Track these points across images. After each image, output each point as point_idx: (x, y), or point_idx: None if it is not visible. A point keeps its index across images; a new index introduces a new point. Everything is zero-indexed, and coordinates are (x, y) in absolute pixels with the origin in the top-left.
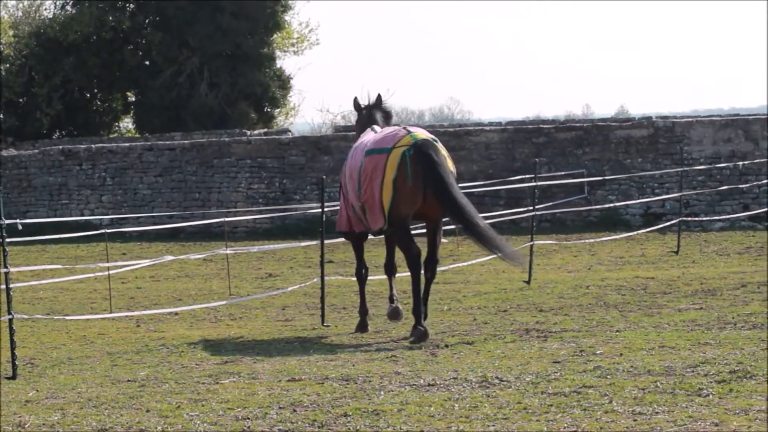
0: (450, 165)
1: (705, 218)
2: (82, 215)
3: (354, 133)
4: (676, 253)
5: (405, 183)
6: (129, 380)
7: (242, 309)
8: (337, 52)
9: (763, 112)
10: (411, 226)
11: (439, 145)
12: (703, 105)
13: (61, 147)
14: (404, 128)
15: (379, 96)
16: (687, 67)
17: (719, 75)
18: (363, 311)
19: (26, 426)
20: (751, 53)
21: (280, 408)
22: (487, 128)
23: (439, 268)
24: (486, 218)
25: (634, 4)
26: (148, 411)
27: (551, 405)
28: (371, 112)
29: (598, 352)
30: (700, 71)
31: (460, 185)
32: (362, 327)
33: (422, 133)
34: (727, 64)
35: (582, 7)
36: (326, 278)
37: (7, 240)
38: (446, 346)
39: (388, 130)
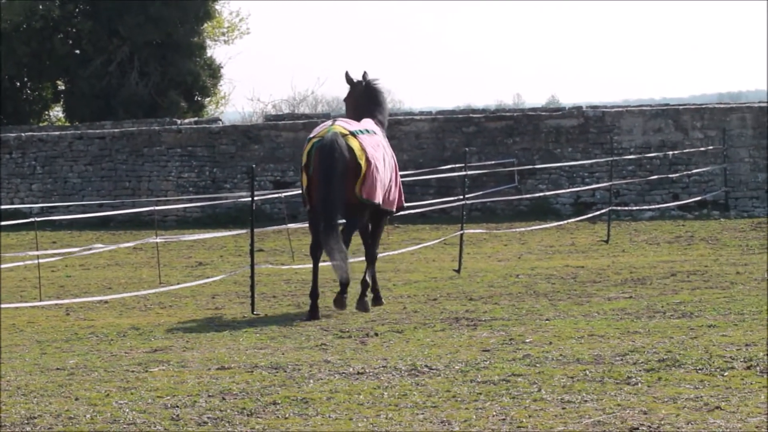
0: (357, 156)
1: (635, 207)
2: (12, 204)
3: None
4: (606, 242)
5: (308, 172)
6: (58, 368)
7: (172, 297)
8: (268, 41)
9: (693, 102)
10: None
11: (352, 140)
12: (633, 95)
13: None
14: (333, 120)
15: (364, 73)
16: (618, 58)
17: (650, 65)
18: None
19: None
20: (681, 44)
21: (209, 396)
22: (418, 117)
23: None
24: (416, 207)
25: None
26: (77, 399)
27: (480, 393)
28: (360, 94)
29: (527, 340)
30: (631, 62)
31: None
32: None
33: (340, 127)
34: (658, 54)
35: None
36: (256, 267)
37: None
38: (376, 334)
39: (327, 122)
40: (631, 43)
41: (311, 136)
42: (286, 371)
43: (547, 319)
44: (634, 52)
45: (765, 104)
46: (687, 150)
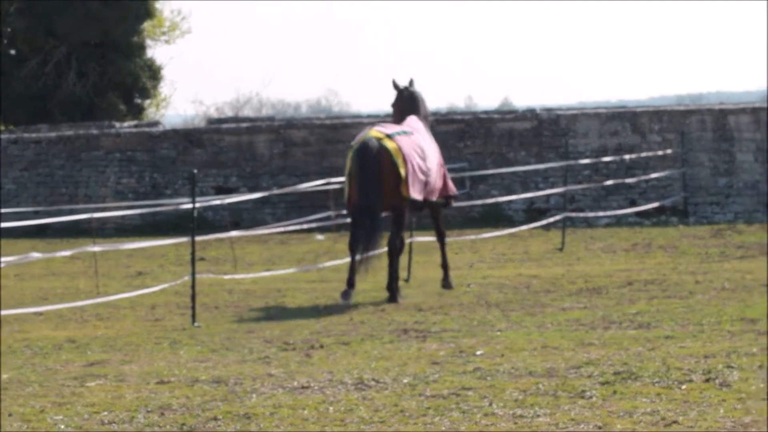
0: (394, 156)
1: (590, 214)
2: None
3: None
4: (561, 250)
5: (350, 176)
6: None
7: (110, 308)
8: (210, 41)
9: (651, 105)
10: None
11: (389, 142)
12: (590, 97)
13: None
14: (372, 126)
15: (411, 82)
16: (573, 59)
17: (607, 66)
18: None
19: None
20: (638, 45)
21: (147, 411)
22: (365, 121)
23: (315, 266)
24: None
25: None
26: (10, 415)
27: (429, 407)
28: (405, 99)
29: (478, 352)
30: (587, 63)
31: (339, 179)
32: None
33: (377, 131)
34: (615, 55)
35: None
36: (197, 276)
37: None
38: (321, 346)
39: (367, 128)
40: (587, 44)
41: (352, 144)
42: (227, 385)
43: (498, 331)
44: (590, 53)
45: (725, 107)
46: (645, 154)
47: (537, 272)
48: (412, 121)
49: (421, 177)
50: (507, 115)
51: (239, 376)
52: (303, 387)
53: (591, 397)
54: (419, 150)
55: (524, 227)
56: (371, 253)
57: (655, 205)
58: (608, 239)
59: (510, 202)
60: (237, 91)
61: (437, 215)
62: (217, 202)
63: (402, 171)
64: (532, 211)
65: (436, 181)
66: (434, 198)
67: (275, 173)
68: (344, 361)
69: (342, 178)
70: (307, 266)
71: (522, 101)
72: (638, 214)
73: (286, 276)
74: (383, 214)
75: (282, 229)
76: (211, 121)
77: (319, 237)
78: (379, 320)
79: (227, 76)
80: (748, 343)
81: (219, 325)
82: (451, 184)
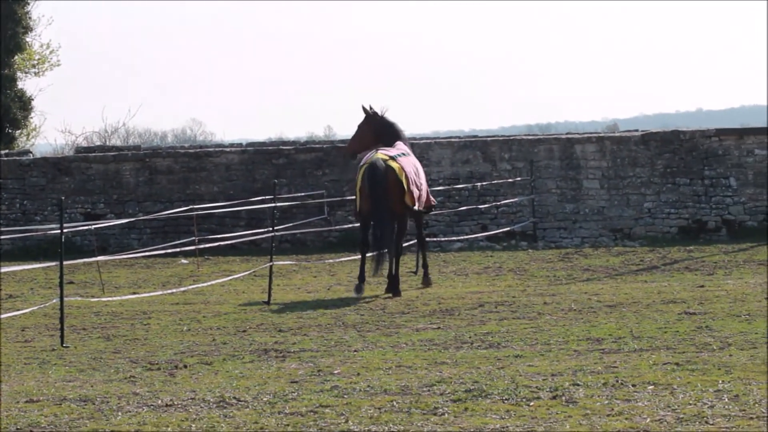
0: (398, 174)
1: (444, 239)
2: None
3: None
4: (415, 273)
5: (360, 190)
6: None
7: None
8: (79, 72)
9: (502, 134)
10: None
11: (393, 163)
12: (443, 126)
13: None
14: (377, 149)
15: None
16: (426, 89)
17: (459, 96)
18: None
19: None
20: (488, 75)
21: (17, 429)
22: (228, 150)
23: (180, 289)
24: (226, 239)
25: (373, 28)
26: None
27: (288, 425)
28: (380, 123)
29: (335, 371)
30: (440, 93)
31: (202, 206)
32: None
33: (382, 154)
34: (467, 85)
35: (323, 32)
36: (66, 299)
37: None
38: (185, 366)
39: (373, 150)
40: (441, 75)
41: (362, 163)
42: (94, 404)
43: (355, 351)
44: (444, 84)
45: (572, 136)
46: (495, 181)
47: (392, 294)
48: (401, 146)
49: (416, 190)
50: None
51: (106, 394)
52: (167, 405)
53: (443, 414)
54: (414, 169)
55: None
56: (383, 250)
57: (506, 230)
58: (461, 263)
59: None
60: (104, 121)
61: (420, 221)
62: (85, 227)
63: (404, 186)
64: None
65: (423, 193)
66: (421, 207)
67: (141, 200)
68: (207, 380)
69: (204, 204)
70: (172, 289)
71: None
72: (489, 238)
73: (152, 298)
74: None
75: (147, 254)
76: (79, 150)
77: (184, 261)
78: (240, 341)
79: (95, 106)
80: (593, 361)
81: (87, 345)
82: (431, 197)
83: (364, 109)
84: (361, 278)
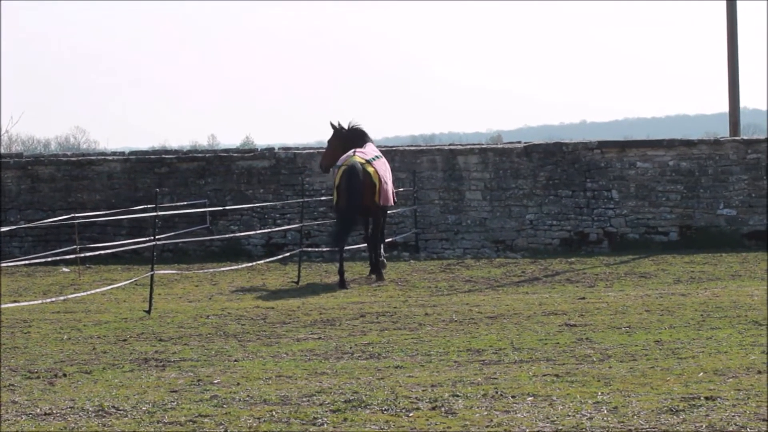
0: (372, 177)
1: (326, 249)
2: None
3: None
4: (297, 283)
5: (338, 189)
6: None
7: None
8: None
9: (385, 144)
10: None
11: (369, 167)
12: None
13: None
14: (353, 152)
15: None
16: (311, 100)
17: (341, 107)
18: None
19: None
20: (373, 88)
21: None
22: (110, 158)
23: (60, 297)
24: (108, 248)
25: (277, 38)
26: None
27: None
28: (347, 135)
29: (215, 381)
30: (325, 102)
31: (83, 214)
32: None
33: (359, 157)
34: (350, 96)
35: (202, 36)
36: None
37: None
38: (64, 375)
39: (350, 152)
40: (324, 85)
41: (339, 164)
42: None
43: (235, 360)
44: (327, 93)
45: (455, 147)
46: None
47: (274, 304)
48: (370, 149)
49: (386, 189)
50: (246, 153)
51: None
52: (46, 414)
53: (322, 425)
54: (384, 169)
55: (262, 261)
56: (336, 248)
57: (388, 240)
58: None
59: (249, 237)
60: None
61: (384, 218)
62: None
63: (377, 186)
64: (270, 246)
65: (390, 193)
66: (387, 203)
67: (23, 208)
68: (86, 389)
69: (87, 212)
70: (53, 297)
71: (264, 140)
72: None
73: (32, 307)
74: (359, 217)
75: (28, 262)
76: None
77: (65, 269)
78: (120, 350)
79: None
80: (473, 372)
81: None
82: (394, 195)
83: (332, 125)
84: (341, 272)
